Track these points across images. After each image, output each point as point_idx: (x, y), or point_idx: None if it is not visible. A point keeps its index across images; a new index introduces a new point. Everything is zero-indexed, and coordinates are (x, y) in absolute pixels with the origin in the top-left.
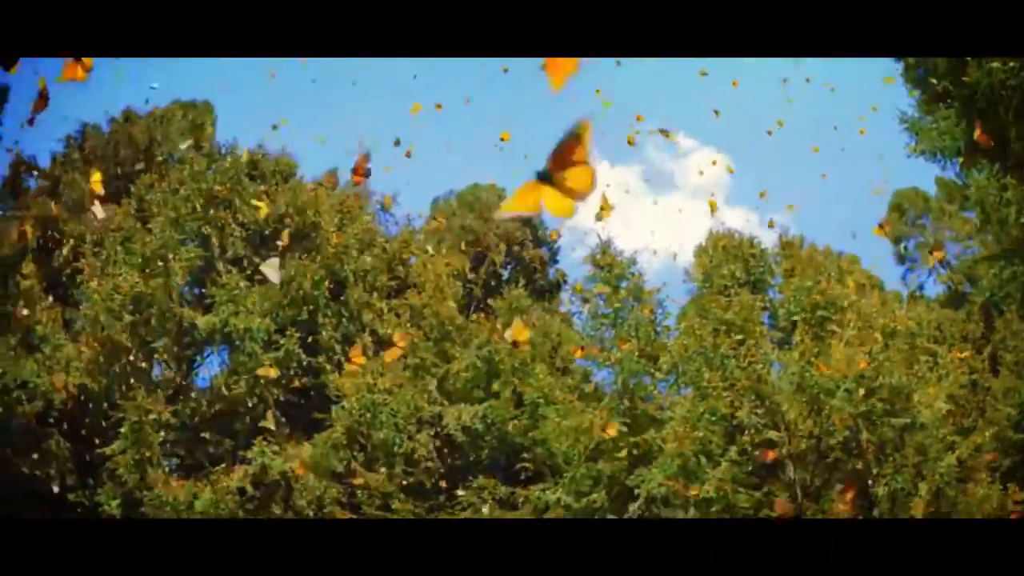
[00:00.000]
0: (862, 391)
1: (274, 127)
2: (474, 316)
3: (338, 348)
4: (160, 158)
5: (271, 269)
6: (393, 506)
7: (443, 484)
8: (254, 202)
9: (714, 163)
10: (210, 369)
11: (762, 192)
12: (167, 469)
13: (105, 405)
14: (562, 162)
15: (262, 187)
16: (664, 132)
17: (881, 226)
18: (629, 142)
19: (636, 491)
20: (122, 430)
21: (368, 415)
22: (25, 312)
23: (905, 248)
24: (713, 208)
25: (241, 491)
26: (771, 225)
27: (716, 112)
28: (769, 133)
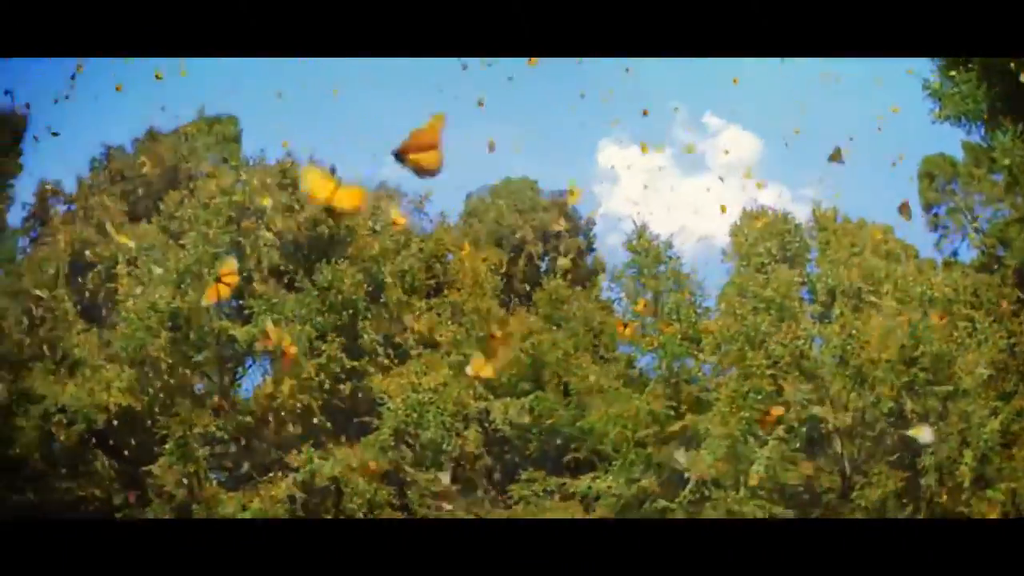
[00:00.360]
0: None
1: (284, 144)
2: (515, 309)
3: (380, 350)
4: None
5: None
6: (446, 505)
7: (494, 479)
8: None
9: (726, 152)
10: (253, 380)
11: (760, 183)
12: (215, 482)
13: (149, 423)
14: (415, 146)
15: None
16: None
17: (834, 153)
18: (643, 150)
19: (686, 475)
20: (167, 446)
21: (415, 415)
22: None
23: (936, 215)
24: (723, 211)
25: (291, 499)
26: (766, 217)
27: (736, 109)
28: (787, 145)
